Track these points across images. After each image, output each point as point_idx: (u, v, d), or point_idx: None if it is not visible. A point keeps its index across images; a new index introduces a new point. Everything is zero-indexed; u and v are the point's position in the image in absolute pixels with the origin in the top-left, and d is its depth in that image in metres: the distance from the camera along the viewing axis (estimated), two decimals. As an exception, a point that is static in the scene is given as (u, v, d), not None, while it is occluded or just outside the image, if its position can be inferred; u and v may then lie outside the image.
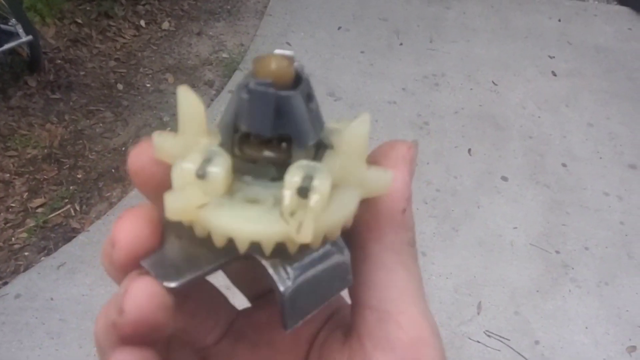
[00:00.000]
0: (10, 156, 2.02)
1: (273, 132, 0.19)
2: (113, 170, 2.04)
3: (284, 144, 0.20)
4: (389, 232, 0.22)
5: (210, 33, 2.78)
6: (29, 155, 2.03)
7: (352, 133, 0.20)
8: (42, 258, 1.74)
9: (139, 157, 0.21)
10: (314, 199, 0.18)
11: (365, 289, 0.22)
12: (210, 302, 0.26)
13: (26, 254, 1.76)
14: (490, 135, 2.35)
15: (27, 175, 1.97)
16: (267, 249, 0.19)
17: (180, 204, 0.19)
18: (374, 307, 0.22)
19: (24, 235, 1.81)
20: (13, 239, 1.80)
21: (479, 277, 1.84)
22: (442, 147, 2.26)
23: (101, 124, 2.22)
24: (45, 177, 1.98)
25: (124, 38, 2.63)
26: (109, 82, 2.40)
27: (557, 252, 1.93)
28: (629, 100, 2.63)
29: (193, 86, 2.45)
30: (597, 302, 1.81)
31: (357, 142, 0.20)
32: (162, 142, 0.20)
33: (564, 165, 2.27)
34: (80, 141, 2.13)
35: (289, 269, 0.19)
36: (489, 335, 1.70)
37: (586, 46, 2.95)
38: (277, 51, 0.20)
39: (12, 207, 1.88)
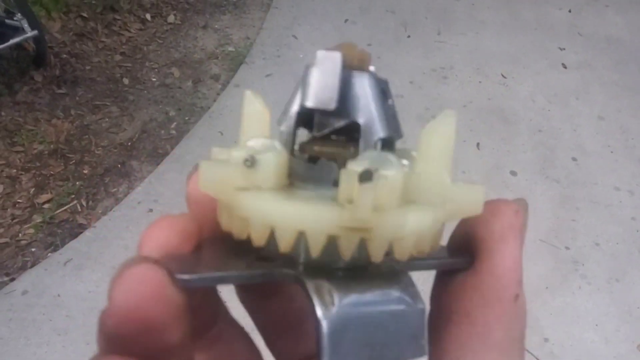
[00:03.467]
0: (17, 152, 2.01)
1: (338, 108, 0.17)
2: (119, 166, 2.03)
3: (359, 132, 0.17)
4: (497, 328, 0.18)
5: (216, 26, 2.76)
6: (35, 151, 2.02)
7: (433, 133, 0.17)
8: (49, 254, 1.74)
9: (196, 186, 0.18)
10: (379, 182, 0.15)
11: None
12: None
13: (33, 250, 1.76)
14: (498, 129, 2.32)
15: (33, 171, 1.97)
16: (316, 247, 0.15)
17: (217, 175, 0.16)
18: None
19: (31, 231, 1.80)
20: (20, 234, 1.80)
21: (488, 273, 1.82)
22: (450, 141, 2.23)
23: (107, 119, 2.21)
24: (51, 172, 1.97)
25: (130, 32, 2.62)
26: (115, 76, 2.39)
27: (567, 248, 1.91)
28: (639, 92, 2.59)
29: (199, 80, 2.44)
30: (608, 299, 1.78)
31: (439, 145, 0.17)
32: (208, 172, 0.17)
33: (574, 159, 2.24)
34: (87, 136, 2.12)
35: (335, 294, 0.15)
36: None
37: (597, 37, 2.90)
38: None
39: (19, 202, 1.88)
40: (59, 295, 1.62)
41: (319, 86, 0.17)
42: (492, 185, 2.09)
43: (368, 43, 2.70)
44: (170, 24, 2.73)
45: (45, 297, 1.61)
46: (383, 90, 0.17)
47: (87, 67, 2.40)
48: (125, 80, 2.39)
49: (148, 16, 2.72)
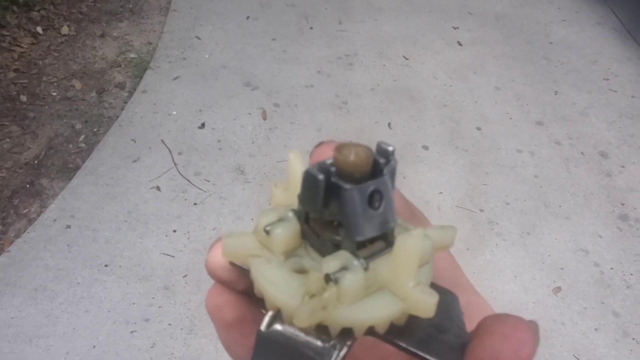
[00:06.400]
0: None
1: (323, 213, 0.20)
2: (28, 185, 1.93)
3: (342, 230, 0.20)
4: None
5: (115, 34, 2.68)
6: None
7: (400, 246, 0.19)
8: (-40, 287, 1.63)
9: (215, 258, 0.23)
10: (329, 292, 0.19)
11: None
12: None
13: (-59, 285, 1.63)
14: (407, 108, 2.43)
15: None
16: (287, 318, 0.20)
17: (235, 248, 0.22)
18: None
19: (-64, 265, 1.68)
20: None
21: (413, 243, 1.90)
22: (363, 124, 2.31)
23: (8, 139, 2.09)
24: (-49, 201, 1.84)
25: (21, 47, 2.49)
26: (11, 94, 2.26)
27: (482, 210, 2.03)
28: (529, 62, 2.79)
29: (103, 90, 2.36)
30: (522, 252, 1.92)
31: (404, 257, 0.19)
32: (232, 246, 0.22)
33: (478, 128, 2.38)
34: (-13, 160, 1.99)
35: (278, 323, 0.20)
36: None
37: (486, 15, 3.09)
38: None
39: None
40: (-23, 328, 1.52)
41: (305, 195, 0.20)
42: (407, 161, 2.18)
43: (272, 37, 2.72)
44: (64, 35, 2.62)
45: (-39, 331, 1.51)
46: (375, 192, 0.19)
47: (-22, 88, 2.25)
48: (23, 98, 2.27)
49: (39, 29, 2.59)
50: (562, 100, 2.58)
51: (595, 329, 1.73)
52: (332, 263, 0.19)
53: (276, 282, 0.20)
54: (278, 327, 0.20)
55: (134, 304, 1.64)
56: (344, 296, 0.19)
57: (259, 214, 0.21)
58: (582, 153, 2.31)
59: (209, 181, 2.02)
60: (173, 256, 1.76)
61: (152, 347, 1.55)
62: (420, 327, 0.21)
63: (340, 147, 0.19)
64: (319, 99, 2.41)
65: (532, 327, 0.19)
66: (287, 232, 0.20)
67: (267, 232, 0.20)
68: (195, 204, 1.93)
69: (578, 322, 1.75)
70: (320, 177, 0.19)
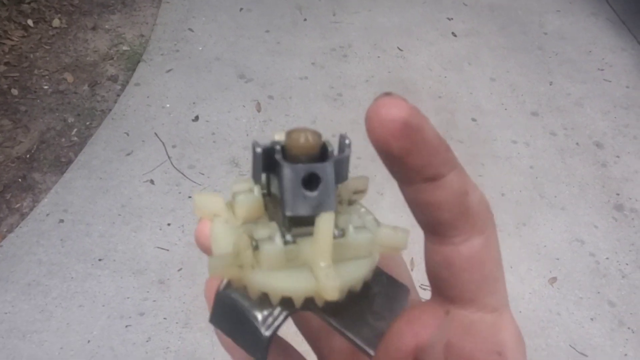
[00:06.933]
0: None
1: (270, 188, 0.22)
2: (20, 180, 1.91)
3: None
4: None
5: (107, 26, 2.65)
6: None
7: (316, 225, 0.20)
8: (-48, 282, 1.61)
9: (204, 229, 0.24)
10: (244, 253, 0.21)
11: None
12: None
13: None
14: (402, 100, 2.41)
15: None
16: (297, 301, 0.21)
17: (204, 205, 0.23)
18: None
19: None
20: None
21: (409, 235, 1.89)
22: (358, 115, 2.30)
23: (-1, 134, 2.07)
24: (-58, 196, 1.82)
25: (12, 40, 2.46)
26: (2, 88, 2.24)
27: (477, 201, 2.02)
28: (524, 52, 2.79)
29: (96, 83, 2.33)
30: (518, 243, 1.92)
31: (318, 234, 0.20)
32: (202, 202, 0.24)
33: (473, 119, 2.37)
34: (-22, 154, 1.97)
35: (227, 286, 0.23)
36: (424, 289, 1.76)
37: (481, 5, 3.08)
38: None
39: None
40: (-30, 323, 1.50)
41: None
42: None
43: (266, 29, 2.70)
44: (55, 28, 2.59)
45: (-46, 327, 1.49)
46: (312, 175, 0.20)
47: (-31, 81, 2.22)
48: (14, 91, 2.24)
49: (30, 22, 2.56)
50: (556, 90, 2.58)
51: (591, 319, 1.74)
52: (261, 230, 0.21)
53: (218, 238, 0.22)
54: (231, 290, 0.22)
55: (128, 298, 1.63)
56: (261, 261, 0.20)
57: (234, 181, 0.23)
58: (577, 143, 2.31)
59: (203, 174, 2.00)
60: (167, 250, 1.75)
61: (147, 341, 1.54)
62: (358, 311, 0.22)
63: (293, 130, 0.20)
64: (313, 91, 2.39)
65: (432, 309, 0.21)
66: (249, 200, 0.22)
67: (233, 197, 0.22)
68: (189, 197, 1.92)
69: (574, 312, 1.75)
70: (258, 150, 0.20)
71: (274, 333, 0.21)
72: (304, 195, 0.20)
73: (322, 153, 0.21)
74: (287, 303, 0.21)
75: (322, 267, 0.20)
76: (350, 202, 0.23)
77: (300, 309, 0.21)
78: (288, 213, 0.20)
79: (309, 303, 0.21)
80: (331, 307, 0.21)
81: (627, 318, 1.75)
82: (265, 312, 0.21)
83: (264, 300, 0.21)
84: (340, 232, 0.21)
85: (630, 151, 2.30)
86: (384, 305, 0.23)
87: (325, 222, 0.20)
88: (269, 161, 0.20)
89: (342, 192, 0.23)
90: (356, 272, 0.21)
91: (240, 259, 0.20)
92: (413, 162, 0.18)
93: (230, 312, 0.22)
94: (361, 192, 0.24)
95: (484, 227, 0.19)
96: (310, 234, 0.20)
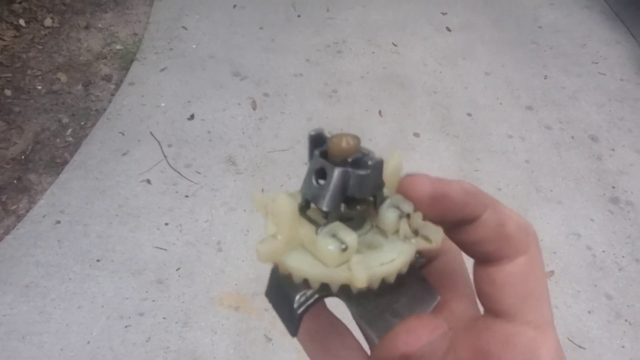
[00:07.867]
0: None
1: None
2: (15, 181, 1.90)
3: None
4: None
5: (99, 25, 2.63)
6: None
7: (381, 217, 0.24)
8: (-51, 286, 1.60)
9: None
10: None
11: None
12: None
13: None
14: (397, 95, 2.41)
15: None
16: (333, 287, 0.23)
17: (268, 248, 0.24)
18: None
19: None
20: None
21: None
22: (354, 112, 2.29)
23: (-7, 135, 2.05)
24: (-63, 199, 1.81)
25: (4, 40, 2.44)
26: (-5, 89, 2.22)
27: (474, 196, 2.03)
28: (518, 46, 2.79)
29: (90, 82, 2.32)
30: (515, 237, 1.92)
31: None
32: (264, 248, 0.24)
33: (469, 114, 2.37)
34: (-28, 156, 1.96)
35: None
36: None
37: (475, 0, 3.08)
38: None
39: None
40: (-32, 327, 1.50)
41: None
42: (398, 148, 2.18)
43: (260, 26, 2.69)
44: (48, 27, 2.57)
45: (-48, 331, 1.49)
46: (320, 170, 0.23)
47: (-39, 83, 2.21)
48: (7, 92, 2.23)
49: (22, 22, 2.54)
50: (551, 84, 2.58)
51: (589, 312, 1.75)
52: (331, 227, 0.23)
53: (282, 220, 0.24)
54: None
55: (127, 298, 1.62)
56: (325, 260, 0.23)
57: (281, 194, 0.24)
58: (572, 137, 2.32)
59: (199, 173, 2.00)
60: (166, 249, 1.75)
61: (147, 341, 1.54)
62: (381, 305, 0.24)
63: (339, 135, 0.23)
64: (308, 88, 2.39)
65: (433, 325, 0.23)
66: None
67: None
68: (186, 196, 1.91)
69: (572, 305, 1.76)
70: (312, 133, 0.24)
71: (305, 311, 0.24)
72: (312, 184, 0.23)
73: (359, 158, 0.23)
74: (325, 288, 0.23)
75: (355, 258, 0.22)
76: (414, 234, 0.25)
77: (336, 295, 0.24)
78: (324, 208, 0.23)
79: (345, 289, 0.23)
80: (363, 296, 0.24)
81: (624, 310, 1.76)
82: (301, 294, 0.24)
83: (305, 284, 0.23)
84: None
85: (625, 144, 2.31)
86: (406, 304, 0.25)
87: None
88: (317, 144, 0.24)
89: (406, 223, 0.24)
90: (390, 265, 0.23)
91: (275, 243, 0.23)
92: (450, 218, 0.22)
93: (277, 289, 0.25)
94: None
95: (527, 247, 0.22)
96: (353, 227, 0.23)
